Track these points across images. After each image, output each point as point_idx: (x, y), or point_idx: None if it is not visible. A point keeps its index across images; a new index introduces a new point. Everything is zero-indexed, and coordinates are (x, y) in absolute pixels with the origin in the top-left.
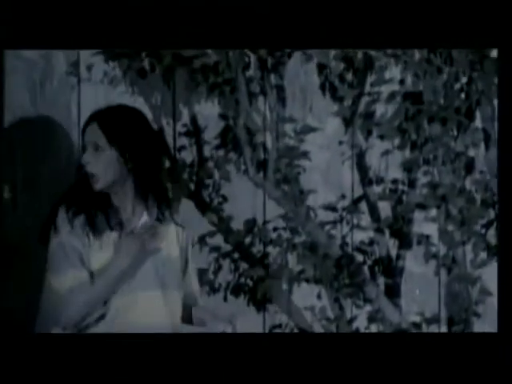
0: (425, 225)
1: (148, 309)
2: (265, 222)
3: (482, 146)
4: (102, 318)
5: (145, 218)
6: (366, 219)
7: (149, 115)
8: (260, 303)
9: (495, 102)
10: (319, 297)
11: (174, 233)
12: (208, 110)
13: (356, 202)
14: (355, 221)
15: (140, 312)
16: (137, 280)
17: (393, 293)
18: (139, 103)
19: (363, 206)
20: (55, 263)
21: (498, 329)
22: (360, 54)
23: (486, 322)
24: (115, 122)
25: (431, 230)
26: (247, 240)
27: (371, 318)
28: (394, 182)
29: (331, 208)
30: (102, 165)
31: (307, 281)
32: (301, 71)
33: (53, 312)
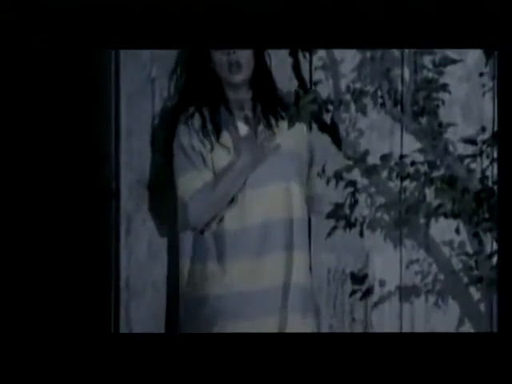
0: None
1: (272, 202)
2: (402, 156)
3: None
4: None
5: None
6: None
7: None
8: (397, 238)
9: None
10: (458, 231)
11: (301, 130)
12: None
13: (497, 134)
14: (496, 154)
15: (264, 206)
16: (259, 175)
17: None
18: None
19: None
20: (179, 166)
21: (498, 329)
22: None
23: None
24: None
25: None
26: (384, 174)
27: None
28: None
29: (471, 141)
30: (246, 55)
31: (445, 215)
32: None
33: (182, 214)
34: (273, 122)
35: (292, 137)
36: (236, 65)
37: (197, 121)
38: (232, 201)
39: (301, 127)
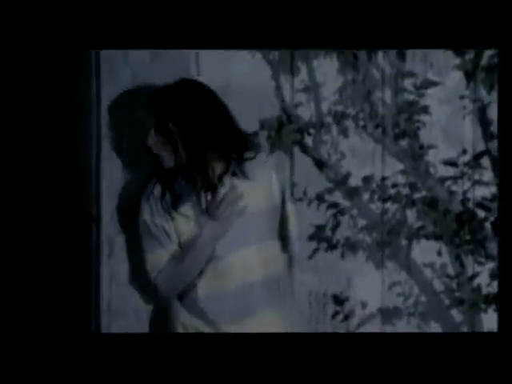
0: None
1: (245, 266)
2: (383, 178)
3: None
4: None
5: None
6: (488, 174)
7: (267, 71)
8: (378, 260)
9: None
10: (439, 253)
11: (262, 185)
12: (326, 66)
13: (478, 157)
14: (477, 176)
15: (238, 270)
16: (230, 241)
17: None
18: (257, 59)
19: (485, 161)
20: (145, 244)
21: (498, 329)
22: None
23: None
24: (161, 106)
25: None
26: (366, 196)
27: (493, 275)
28: None
29: (452, 163)
30: (164, 146)
31: (427, 237)
32: None
33: (154, 285)
34: (236, 182)
35: (258, 192)
36: (157, 156)
37: (157, 193)
38: (201, 272)
39: (267, 178)
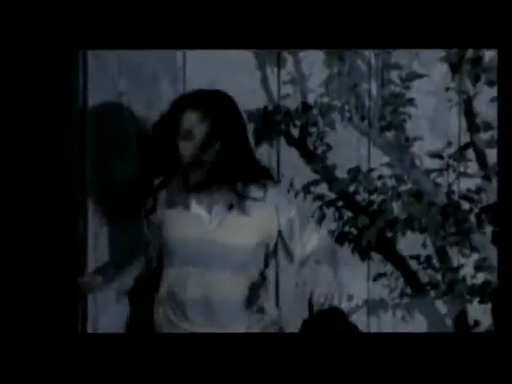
0: None
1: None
2: (369, 170)
3: None
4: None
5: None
6: (472, 166)
7: (253, 62)
8: (364, 252)
9: None
10: (424, 245)
11: (257, 221)
12: (312, 57)
13: (463, 149)
14: (462, 168)
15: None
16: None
17: None
18: (243, 50)
19: (470, 153)
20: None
21: (494, 329)
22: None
23: None
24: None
25: None
26: (351, 188)
27: (478, 267)
28: None
29: (437, 155)
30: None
31: (412, 229)
32: None
33: None
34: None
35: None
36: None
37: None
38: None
39: (267, 216)
